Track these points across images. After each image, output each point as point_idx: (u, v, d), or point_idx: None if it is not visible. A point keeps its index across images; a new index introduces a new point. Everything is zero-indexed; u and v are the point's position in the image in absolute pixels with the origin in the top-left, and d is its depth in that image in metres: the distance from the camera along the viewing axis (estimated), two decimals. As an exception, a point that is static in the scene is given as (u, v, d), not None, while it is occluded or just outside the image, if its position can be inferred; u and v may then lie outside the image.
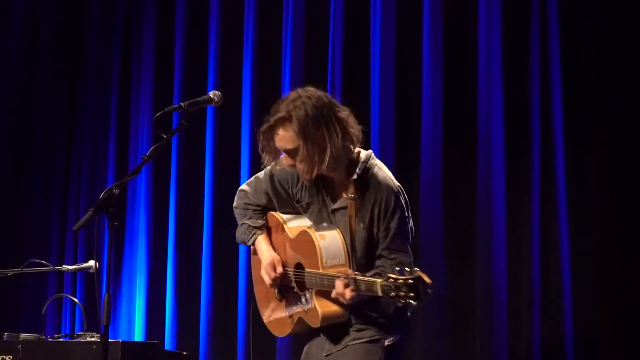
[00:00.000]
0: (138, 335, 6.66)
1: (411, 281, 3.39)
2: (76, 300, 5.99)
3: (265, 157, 3.89)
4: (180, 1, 6.89)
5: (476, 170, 5.72)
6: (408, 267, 3.50)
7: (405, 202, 3.83)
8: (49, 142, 7.21)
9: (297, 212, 3.97)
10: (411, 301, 3.40)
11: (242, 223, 4.09)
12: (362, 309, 3.81)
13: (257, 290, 4.15)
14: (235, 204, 4.14)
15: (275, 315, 4.06)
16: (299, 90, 3.83)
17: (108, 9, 7.22)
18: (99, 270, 5.86)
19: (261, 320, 4.14)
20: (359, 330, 3.84)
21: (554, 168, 5.53)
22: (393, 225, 3.77)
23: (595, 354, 5.33)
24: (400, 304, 3.47)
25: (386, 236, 3.77)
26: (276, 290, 4.02)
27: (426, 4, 5.93)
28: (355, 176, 3.79)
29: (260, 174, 4.06)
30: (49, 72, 7.29)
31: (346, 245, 3.79)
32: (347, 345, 3.85)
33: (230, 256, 6.42)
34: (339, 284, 3.63)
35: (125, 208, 6.88)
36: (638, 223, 5.29)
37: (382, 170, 3.84)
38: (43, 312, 5.50)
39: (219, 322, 6.44)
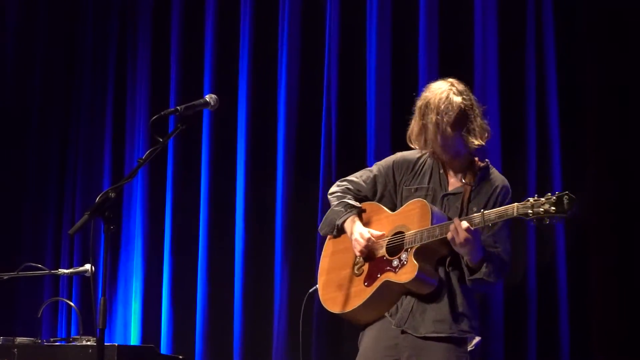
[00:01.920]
0: (134, 339, 6.65)
1: (554, 198, 3.68)
2: (72, 304, 5.99)
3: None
4: (176, 5, 6.89)
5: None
6: (506, 258, 3.93)
7: None
8: (44, 145, 7.21)
9: (393, 206, 4.17)
10: (554, 215, 3.67)
11: (340, 201, 4.25)
12: (448, 296, 3.95)
13: (324, 279, 4.26)
14: (332, 190, 4.33)
15: (344, 291, 4.14)
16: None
17: (103, 12, 7.21)
18: (94, 274, 5.85)
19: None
20: (438, 321, 3.94)
21: (550, 170, 5.53)
22: None
23: (590, 353, 5.34)
24: (547, 220, 3.69)
25: (495, 225, 3.96)
26: (355, 267, 4.13)
27: (422, 8, 5.93)
28: (480, 165, 4.11)
29: (372, 167, 4.32)
30: (44, 75, 7.28)
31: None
32: (425, 336, 3.94)
33: (227, 260, 6.42)
34: (456, 221, 3.85)
35: (121, 212, 6.88)
36: (632, 224, 5.29)
37: (499, 173, 4.18)
38: (39, 315, 5.48)
39: (215, 326, 6.43)
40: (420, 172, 4.18)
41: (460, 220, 3.84)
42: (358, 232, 4.12)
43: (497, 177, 4.14)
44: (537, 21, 5.65)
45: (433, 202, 4.07)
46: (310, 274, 5.39)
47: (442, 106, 4.00)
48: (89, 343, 4.82)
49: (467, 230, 3.81)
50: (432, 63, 5.86)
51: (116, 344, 4.78)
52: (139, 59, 7.00)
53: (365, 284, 4.06)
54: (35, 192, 7.17)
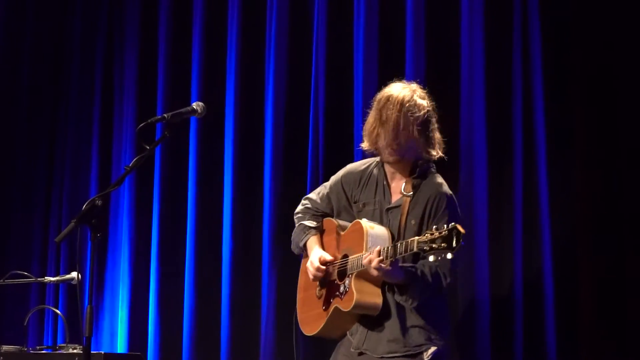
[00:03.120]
0: (121, 347, 6.63)
1: (445, 232, 3.62)
2: (58, 311, 5.97)
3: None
4: (163, 12, 6.89)
5: (458, 180, 5.73)
6: (447, 271, 3.87)
7: (457, 213, 4.04)
8: (31, 152, 7.19)
9: (352, 219, 4.16)
10: (444, 251, 3.63)
11: (299, 224, 4.31)
12: (397, 314, 3.95)
13: (299, 297, 4.32)
14: (297, 209, 4.38)
15: (311, 312, 4.20)
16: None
17: (90, 19, 7.20)
18: (81, 282, 5.85)
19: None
20: (392, 341, 3.96)
21: (537, 176, 5.54)
22: (442, 224, 3.88)
23: (577, 353, 5.35)
24: (432, 257, 3.66)
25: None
26: (317, 289, 4.17)
27: (409, 12, 5.95)
28: (414, 175, 4.04)
29: (328, 182, 4.33)
30: (30, 82, 7.26)
31: (393, 239, 3.97)
32: (382, 357, 3.97)
33: (214, 267, 6.41)
34: (373, 252, 3.82)
35: (108, 219, 6.86)
36: (619, 227, 5.31)
37: (438, 177, 4.10)
38: (25, 323, 5.47)
39: (202, 334, 6.42)
40: (367, 184, 4.17)
41: (376, 253, 3.82)
42: (310, 259, 4.17)
43: (432, 185, 4.06)
44: (523, 21, 5.66)
45: (379, 217, 4.07)
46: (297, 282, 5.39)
47: (407, 104, 3.99)
48: (75, 351, 4.82)
49: (376, 266, 3.81)
50: (420, 67, 5.87)
51: (103, 352, 4.78)
52: (126, 68, 7.00)
53: (323, 307, 4.12)
54: (21, 200, 7.14)
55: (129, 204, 6.81)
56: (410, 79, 5.82)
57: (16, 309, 6.77)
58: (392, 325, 3.97)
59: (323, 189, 4.32)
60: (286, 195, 6.23)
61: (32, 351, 5.00)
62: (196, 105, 4.01)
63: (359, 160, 5.84)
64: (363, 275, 3.93)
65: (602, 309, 5.31)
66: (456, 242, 3.60)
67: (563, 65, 5.54)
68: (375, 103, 4.10)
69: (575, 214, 5.43)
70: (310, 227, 4.26)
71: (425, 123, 4.02)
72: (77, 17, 7.24)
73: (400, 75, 5.84)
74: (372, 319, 3.99)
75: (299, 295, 4.32)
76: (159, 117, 3.89)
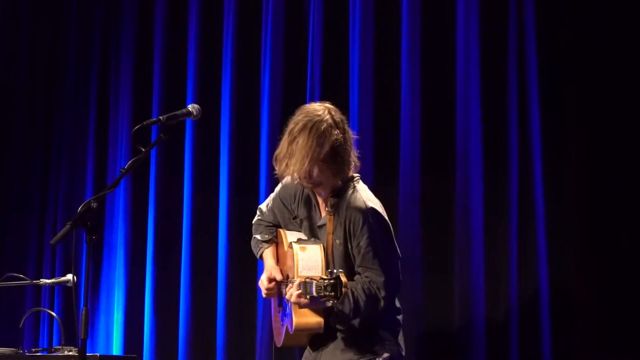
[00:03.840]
0: (116, 349, 6.63)
1: (332, 281, 3.65)
2: (54, 314, 5.97)
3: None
4: (159, 14, 6.89)
5: (455, 184, 5.74)
6: (380, 285, 3.83)
7: (381, 224, 3.94)
8: (26, 155, 7.18)
9: (298, 230, 4.15)
10: (332, 299, 3.66)
11: (253, 237, 4.31)
12: (344, 324, 3.94)
13: (272, 304, 4.34)
14: (253, 220, 4.37)
15: (276, 324, 4.24)
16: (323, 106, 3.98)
17: (86, 21, 7.19)
18: (76, 284, 5.83)
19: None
20: (345, 350, 3.98)
21: (532, 179, 5.56)
22: (363, 244, 3.91)
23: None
24: (328, 304, 3.70)
25: (358, 253, 3.93)
26: (276, 303, 4.19)
27: (404, 21, 5.95)
28: (332, 194, 3.96)
29: (272, 194, 4.29)
30: (26, 84, 7.26)
31: (325, 259, 3.91)
32: None
33: (210, 270, 6.41)
34: (293, 286, 3.83)
35: (103, 221, 6.86)
36: (614, 235, 5.32)
37: (358, 192, 3.97)
38: (20, 326, 5.46)
39: (198, 336, 6.42)
40: (302, 200, 4.12)
41: (293, 289, 3.82)
42: (261, 277, 4.18)
43: (350, 203, 3.96)
44: (518, 22, 5.68)
45: (316, 232, 4.05)
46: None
47: (317, 138, 3.83)
48: (71, 353, 4.81)
49: (305, 304, 3.83)
50: (414, 75, 5.88)
51: (98, 354, 4.77)
52: (122, 70, 6.99)
53: (281, 323, 4.14)
54: (17, 202, 7.13)
55: (125, 206, 6.80)
56: (406, 81, 5.87)
57: (12, 311, 6.76)
58: (344, 336, 3.99)
59: (270, 201, 4.28)
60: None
61: (27, 354, 4.99)
62: (192, 107, 4.01)
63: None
64: None
65: (598, 314, 5.31)
66: (340, 293, 3.63)
67: (558, 69, 5.56)
68: (287, 131, 3.94)
69: (570, 214, 5.45)
70: (262, 241, 4.25)
71: (335, 156, 3.86)
72: (73, 19, 7.23)
73: (395, 75, 5.92)
74: (325, 334, 4.00)
75: (272, 304, 4.35)
76: (155, 119, 3.89)
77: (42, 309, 6.75)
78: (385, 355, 3.98)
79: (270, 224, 4.27)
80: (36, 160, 7.19)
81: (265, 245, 4.23)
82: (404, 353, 4.08)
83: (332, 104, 4.01)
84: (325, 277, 3.66)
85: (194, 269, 6.48)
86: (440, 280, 5.70)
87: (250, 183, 6.37)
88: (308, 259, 3.90)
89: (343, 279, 3.63)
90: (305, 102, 6.14)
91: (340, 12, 6.19)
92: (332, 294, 3.63)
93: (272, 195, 4.30)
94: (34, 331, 6.95)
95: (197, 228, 6.52)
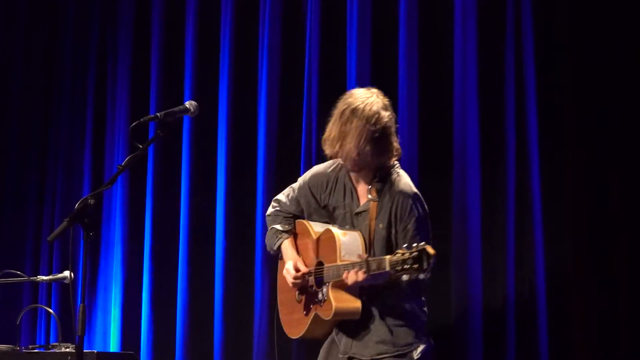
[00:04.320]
0: (113, 346, 6.63)
1: (416, 253, 3.66)
2: (51, 310, 5.97)
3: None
4: (156, 12, 6.89)
5: (452, 181, 5.74)
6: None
7: (424, 210, 4.05)
8: (23, 151, 7.18)
9: (324, 220, 4.17)
10: (415, 272, 3.69)
11: (271, 228, 4.30)
12: (380, 315, 3.97)
13: (280, 297, 4.34)
14: (268, 212, 4.36)
15: (293, 315, 4.21)
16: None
17: (84, 15, 7.19)
18: (74, 281, 5.84)
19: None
20: (380, 342, 3.98)
21: (529, 179, 5.55)
22: (410, 227, 3.98)
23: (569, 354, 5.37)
24: (405, 277, 3.73)
25: (404, 236, 3.97)
26: (296, 293, 4.17)
27: (402, 20, 5.95)
28: (376, 179, 4.03)
29: (295, 184, 4.29)
30: (23, 81, 7.26)
31: (365, 244, 3.97)
32: (372, 359, 3.99)
33: (207, 266, 6.41)
34: (351, 269, 3.84)
35: (100, 218, 6.86)
36: (610, 232, 5.32)
37: (401, 177, 4.08)
38: (18, 322, 5.46)
39: (195, 333, 6.42)
40: (335, 188, 4.15)
41: (356, 270, 3.84)
42: (286, 266, 4.17)
43: (397, 187, 4.04)
44: (516, 20, 5.67)
45: (350, 220, 4.07)
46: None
47: (370, 120, 3.93)
48: (68, 350, 4.81)
49: (364, 279, 3.84)
50: (412, 72, 5.88)
51: (95, 351, 4.77)
52: (119, 66, 6.99)
53: (304, 312, 4.13)
54: (14, 199, 7.14)
55: (122, 203, 6.80)
56: (403, 78, 5.87)
57: (9, 308, 6.75)
58: (377, 327, 3.98)
59: (291, 191, 4.29)
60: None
61: (24, 350, 4.99)
62: (189, 104, 4.01)
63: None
64: (339, 284, 3.95)
65: (596, 312, 5.32)
66: (426, 264, 3.67)
67: (555, 65, 5.56)
68: (338, 113, 4.03)
69: (567, 214, 5.45)
70: (282, 231, 4.25)
71: (386, 137, 3.98)
72: (70, 12, 7.23)
73: (393, 76, 5.92)
74: (356, 323, 4.00)
75: (280, 296, 4.33)
76: (152, 116, 3.89)
77: (39, 305, 6.75)
78: (422, 347, 4.00)
79: (290, 215, 4.28)
80: (33, 157, 7.19)
81: (285, 235, 4.24)
82: (433, 347, 4.09)
83: (378, 90, 4.10)
84: (402, 251, 3.69)
85: (191, 265, 6.48)
86: (438, 278, 5.68)
87: (248, 179, 6.37)
88: (350, 244, 3.95)
89: (430, 250, 3.67)
90: (302, 99, 6.19)
91: (337, 8, 6.18)
92: (416, 266, 3.66)
93: (296, 184, 4.28)
94: (31, 328, 6.95)
95: (195, 225, 6.52)
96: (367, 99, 4.00)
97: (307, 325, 4.09)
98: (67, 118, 7.15)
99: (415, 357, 3.97)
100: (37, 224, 7.12)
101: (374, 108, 3.96)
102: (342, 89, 6.01)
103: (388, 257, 3.75)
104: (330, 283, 3.96)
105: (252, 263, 6.24)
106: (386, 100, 4.05)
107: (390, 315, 3.99)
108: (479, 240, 5.61)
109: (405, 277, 3.75)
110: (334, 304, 3.94)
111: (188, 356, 6.41)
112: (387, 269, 3.73)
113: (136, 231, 6.73)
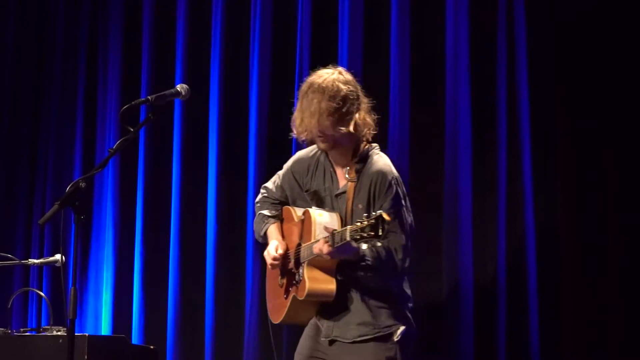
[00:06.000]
0: (105, 329, 6.63)
1: (373, 221, 3.66)
2: (42, 294, 5.97)
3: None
4: (147, -5, 6.87)
5: (443, 167, 5.75)
6: (398, 247, 3.89)
7: (402, 191, 4.03)
8: (14, 134, 7.16)
9: (307, 205, 4.16)
10: (372, 239, 3.73)
11: (258, 214, 4.32)
12: (362, 297, 3.98)
13: (267, 284, 4.36)
14: (257, 199, 4.39)
15: (276, 300, 4.23)
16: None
17: (74, 2, 7.16)
18: (65, 264, 5.83)
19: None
20: (361, 324, 3.98)
21: (521, 165, 5.57)
22: (386, 205, 3.94)
23: (560, 349, 5.38)
24: (364, 245, 3.80)
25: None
26: (279, 277, 4.19)
27: (394, 9, 5.95)
28: (356, 159, 4.03)
29: (281, 171, 4.31)
30: (13, 64, 7.23)
31: (342, 224, 3.98)
32: (354, 341, 3.97)
33: (198, 250, 6.42)
34: (319, 241, 3.86)
35: (92, 202, 6.85)
36: (602, 218, 5.35)
37: (380, 157, 4.08)
38: (9, 306, 5.45)
39: (187, 316, 6.43)
40: (316, 172, 4.17)
41: (322, 242, 3.85)
42: (267, 249, 4.19)
43: (374, 167, 4.04)
44: (508, 11, 5.68)
45: (330, 202, 4.09)
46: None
47: (326, 92, 3.94)
48: (59, 333, 4.81)
49: (328, 252, 3.84)
50: (404, 62, 5.89)
51: (87, 334, 4.76)
52: (110, 49, 6.97)
53: (285, 296, 4.14)
54: (5, 182, 7.12)
55: (113, 186, 6.80)
56: (395, 69, 5.87)
57: (0, 292, 6.76)
58: (358, 309, 3.99)
59: (277, 178, 4.32)
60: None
61: (16, 333, 4.98)
62: (180, 87, 4.00)
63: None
64: (315, 263, 3.96)
65: (584, 293, 5.35)
66: (381, 230, 3.65)
67: (546, 54, 5.57)
68: (300, 93, 4.04)
69: (558, 197, 5.47)
70: (269, 216, 4.27)
71: (347, 108, 3.96)
72: (60, 0, 7.20)
73: (385, 69, 5.92)
74: (337, 306, 4.01)
75: (267, 284, 4.36)
76: (143, 99, 3.88)
77: (30, 289, 6.74)
78: (402, 328, 4.00)
79: (277, 201, 4.30)
80: (24, 139, 7.16)
81: (272, 220, 4.26)
82: (415, 328, 4.09)
83: (342, 68, 4.12)
84: (361, 220, 3.69)
85: (182, 249, 6.49)
86: (429, 262, 5.71)
87: (239, 163, 6.37)
88: (326, 224, 3.96)
89: (386, 216, 3.65)
90: (294, 83, 6.18)
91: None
92: (372, 233, 3.66)
93: (280, 172, 4.32)
94: (23, 311, 6.95)
95: (186, 209, 6.52)
96: (326, 74, 4.02)
97: (287, 307, 4.10)
98: (57, 101, 7.12)
99: (395, 339, 3.97)
100: (28, 207, 7.10)
101: (330, 80, 3.96)
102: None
103: (350, 227, 3.75)
104: (306, 263, 3.98)
105: (244, 247, 6.25)
106: (349, 76, 4.05)
107: (371, 297, 3.99)
108: (470, 223, 5.62)
109: (364, 246, 3.79)
110: (307, 284, 3.94)
111: (179, 339, 6.42)
112: (348, 238, 3.72)
113: (127, 214, 6.73)
